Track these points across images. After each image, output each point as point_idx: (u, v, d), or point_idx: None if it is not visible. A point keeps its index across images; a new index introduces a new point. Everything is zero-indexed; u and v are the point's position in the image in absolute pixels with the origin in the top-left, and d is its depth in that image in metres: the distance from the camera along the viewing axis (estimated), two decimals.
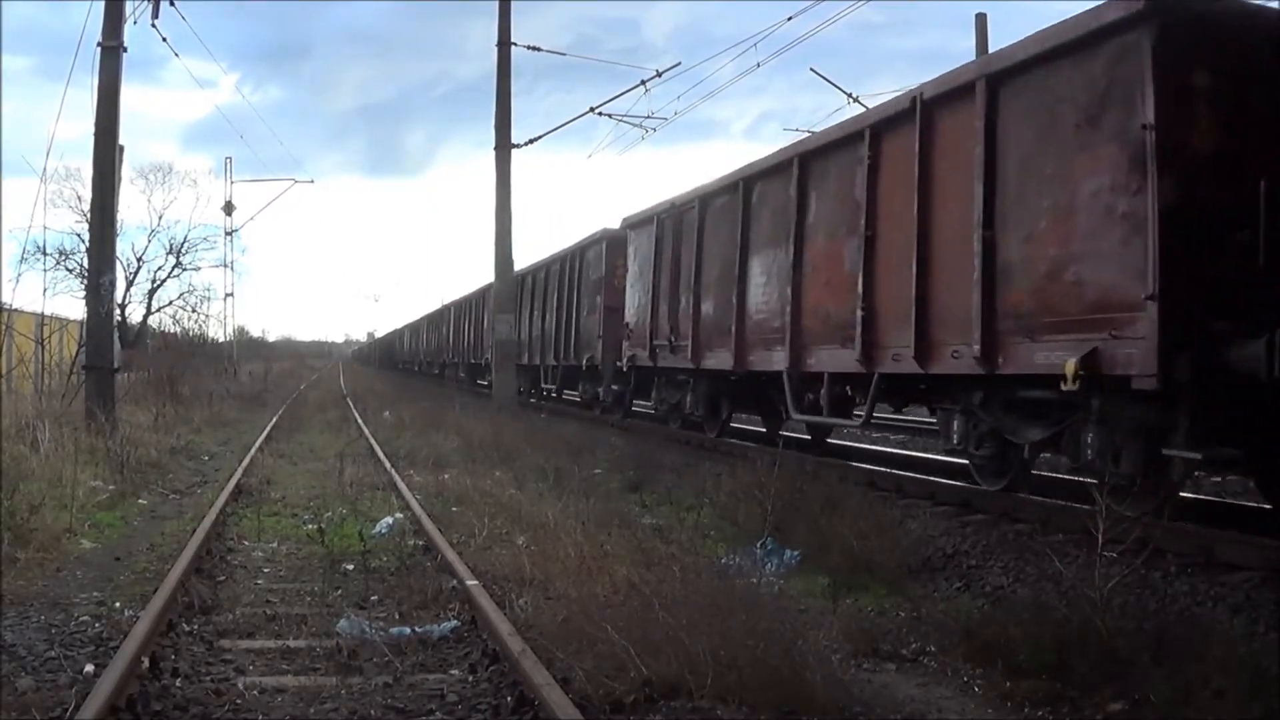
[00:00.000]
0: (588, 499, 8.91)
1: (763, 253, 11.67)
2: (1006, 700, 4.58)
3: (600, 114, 21.12)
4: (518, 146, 21.03)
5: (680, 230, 14.14)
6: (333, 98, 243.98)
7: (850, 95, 20.79)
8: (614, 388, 18.12)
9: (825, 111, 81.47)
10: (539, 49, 20.99)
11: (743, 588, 5.43)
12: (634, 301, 15.96)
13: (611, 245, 18.28)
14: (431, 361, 47.90)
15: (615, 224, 19.10)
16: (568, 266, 21.33)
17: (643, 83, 20.35)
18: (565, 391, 23.86)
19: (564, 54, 37.00)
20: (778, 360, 11.06)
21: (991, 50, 13.34)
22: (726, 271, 12.44)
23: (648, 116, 21.05)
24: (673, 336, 14.11)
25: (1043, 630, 4.93)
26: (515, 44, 20.63)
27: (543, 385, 24.38)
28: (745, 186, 12.09)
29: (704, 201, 13.47)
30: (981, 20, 21.13)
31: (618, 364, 16.86)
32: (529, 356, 24.57)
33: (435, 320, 47.21)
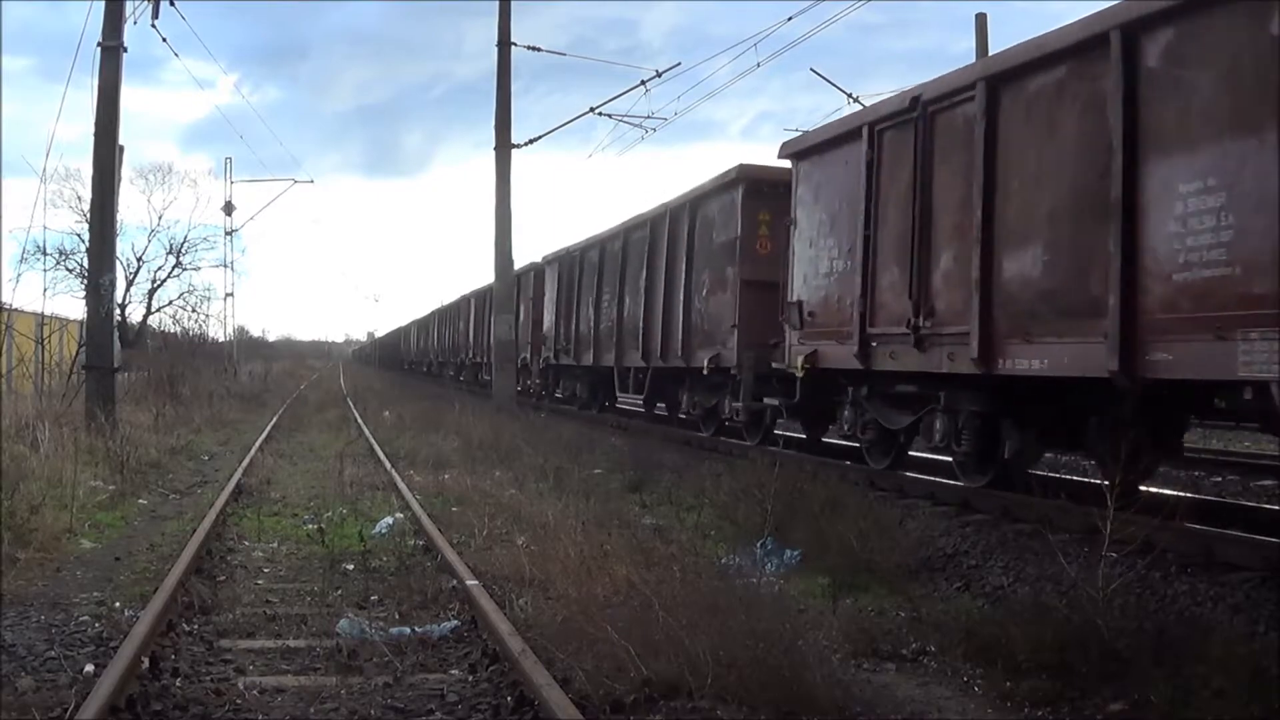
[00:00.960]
0: (587, 499, 8.91)
1: (1199, 152, 6.22)
2: (1007, 700, 4.58)
3: (600, 114, 21.13)
4: (518, 146, 21.07)
5: (929, 142, 8.52)
6: (331, 99, 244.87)
7: (850, 95, 20.78)
8: (765, 401, 11.86)
9: (823, 112, 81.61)
10: (539, 49, 21.02)
11: (743, 588, 5.44)
12: (812, 269, 10.37)
13: (754, 189, 12.58)
14: (445, 362, 41.37)
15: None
16: (667, 230, 15.15)
17: (643, 83, 20.35)
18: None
19: (564, 54, 37.22)
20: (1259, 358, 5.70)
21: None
22: (1078, 196, 7.11)
23: (648, 116, 20.97)
24: (922, 319, 8.51)
25: (1043, 630, 4.93)
26: (515, 44, 20.66)
27: (620, 394, 18.68)
28: (1125, 40, 6.62)
29: (996, 85, 7.82)
30: (981, 20, 21.14)
31: (774, 366, 11.27)
32: (594, 356, 18.78)
33: (451, 314, 40.40)
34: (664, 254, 15.24)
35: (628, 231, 17.26)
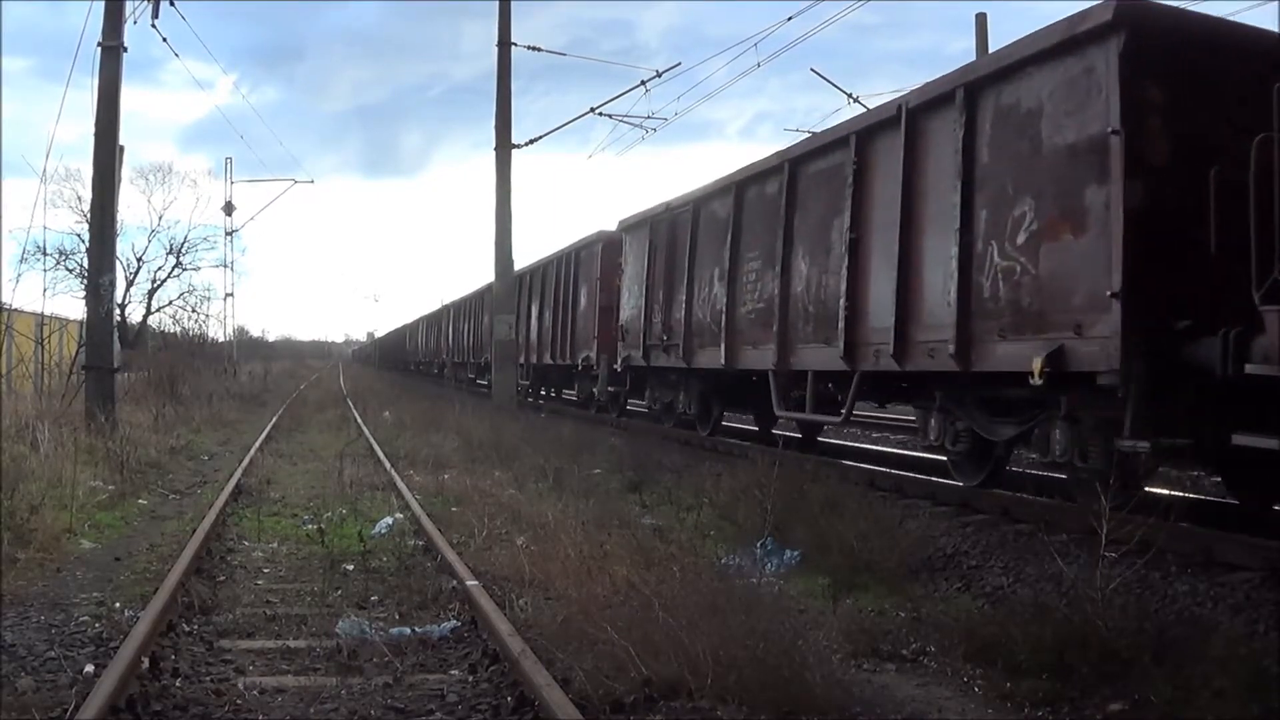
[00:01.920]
0: (587, 499, 8.92)
1: None
2: (1006, 700, 4.58)
3: (600, 114, 21.12)
4: (518, 146, 21.07)
5: None
6: (329, 99, 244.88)
7: (850, 95, 20.77)
8: (1241, 442, 5.97)
9: (822, 113, 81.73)
10: (539, 49, 21.03)
11: (743, 588, 5.44)
12: None
13: (1139, 46, 6.52)
14: (462, 363, 34.84)
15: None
16: (901, 143, 8.79)
17: (643, 83, 20.35)
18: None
19: (564, 54, 37.25)
20: None
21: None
22: None
23: (648, 117, 20.91)
24: None
25: (1043, 630, 4.93)
26: (516, 44, 20.66)
27: (780, 413, 11.65)
28: None
29: None
30: (982, 20, 21.17)
31: (1249, 369, 5.94)
32: (725, 353, 12.40)
33: (469, 308, 33.63)
34: (891, 185, 8.96)
35: (795, 163, 10.94)
